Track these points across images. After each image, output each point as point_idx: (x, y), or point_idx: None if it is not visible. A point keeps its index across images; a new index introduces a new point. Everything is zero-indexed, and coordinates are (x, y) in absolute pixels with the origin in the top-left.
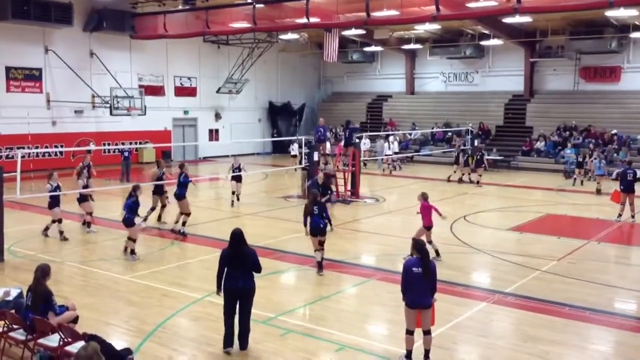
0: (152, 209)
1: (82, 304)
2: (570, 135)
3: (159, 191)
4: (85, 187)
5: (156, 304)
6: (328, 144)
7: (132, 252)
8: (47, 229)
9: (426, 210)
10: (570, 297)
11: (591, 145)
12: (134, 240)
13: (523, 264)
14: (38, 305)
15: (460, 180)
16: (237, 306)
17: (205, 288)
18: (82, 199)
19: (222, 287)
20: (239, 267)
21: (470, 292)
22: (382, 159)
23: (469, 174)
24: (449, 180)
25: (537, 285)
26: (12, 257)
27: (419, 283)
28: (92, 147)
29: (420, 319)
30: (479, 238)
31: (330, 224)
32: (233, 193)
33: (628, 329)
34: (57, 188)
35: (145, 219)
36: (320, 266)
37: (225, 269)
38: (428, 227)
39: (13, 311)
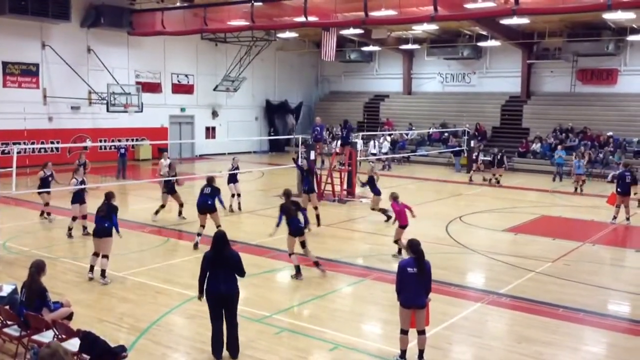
0: (163, 206)
1: (76, 300)
2: (566, 137)
3: (171, 191)
4: (82, 183)
5: (150, 301)
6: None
7: (104, 274)
8: (70, 229)
9: (397, 210)
10: (565, 298)
11: (582, 148)
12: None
13: (518, 265)
14: (33, 301)
15: (490, 181)
16: (223, 312)
17: None
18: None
19: (205, 291)
20: (221, 268)
21: (465, 293)
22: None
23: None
24: (470, 181)
25: (531, 286)
26: (6, 252)
27: (414, 283)
28: (88, 143)
29: (415, 319)
30: (474, 238)
31: (308, 224)
32: (232, 196)
33: (621, 330)
34: (82, 182)
35: (156, 213)
36: (298, 270)
37: (208, 273)
38: (403, 226)
39: (7, 307)
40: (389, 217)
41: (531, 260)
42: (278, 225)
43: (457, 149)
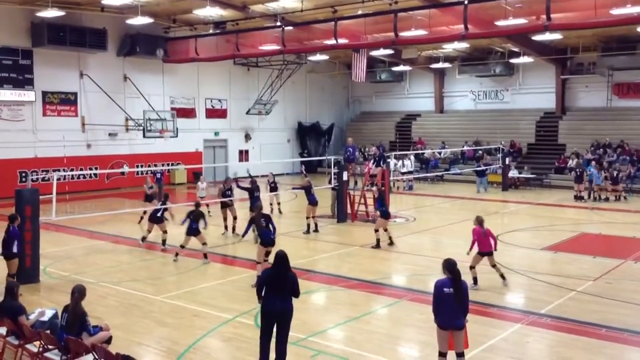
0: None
1: (115, 324)
2: (604, 152)
3: (227, 204)
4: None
5: (187, 324)
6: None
7: None
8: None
9: (478, 235)
10: (607, 318)
11: (617, 164)
12: None
13: (558, 284)
14: (73, 325)
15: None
16: (275, 329)
17: (236, 308)
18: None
19: (262, 309)
20: (280, 287)
21: (504, 313)
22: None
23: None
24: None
25: (573, 305)
26: (47, 278)
27: (451, 304)
28: (125, 169)
29: (453, 340)
30: (512, 258)
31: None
32: (271, 204)
33: None
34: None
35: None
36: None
37: (265, 291)
38: (482, 253)
39: (48, 332)
40: (308, 229)
41: (572, 279)
42: (244, 235)
43: (480, 168)
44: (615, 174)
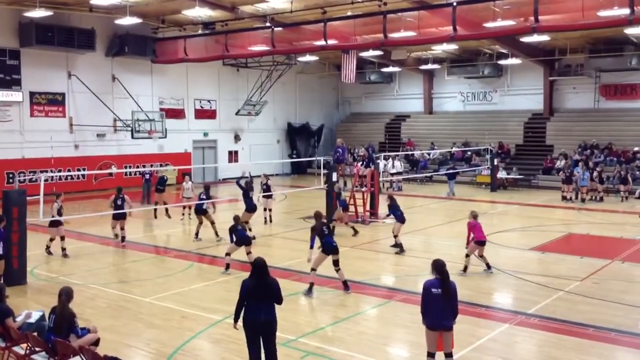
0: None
1: (104, 326)
2: (591, 153)
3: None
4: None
5: (176, 326)
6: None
7: None
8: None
9: (473, 227)
10: (595, 318)
11: (589, 161)
12: None
13: (546, 284)
14: (61, 327)
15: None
16: (261, 340)
17: (224, 310)
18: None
19: (244, 320)
20: (261, 296)
21: (492, 313)
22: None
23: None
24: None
25: (561, 305)
26: (34, 279)
27: (439, 304)
28: (113, 169)
29: (442, 341)
30: (500, 258)
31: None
32: (264, 210)
33: None
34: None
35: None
36: (311, 288)
37: (246, 302)
38: (478, 242)
39: (35, 334)
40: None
41: (559, 280)
42: (312, 247)
43: (453, 171)
44: (623, 174)
